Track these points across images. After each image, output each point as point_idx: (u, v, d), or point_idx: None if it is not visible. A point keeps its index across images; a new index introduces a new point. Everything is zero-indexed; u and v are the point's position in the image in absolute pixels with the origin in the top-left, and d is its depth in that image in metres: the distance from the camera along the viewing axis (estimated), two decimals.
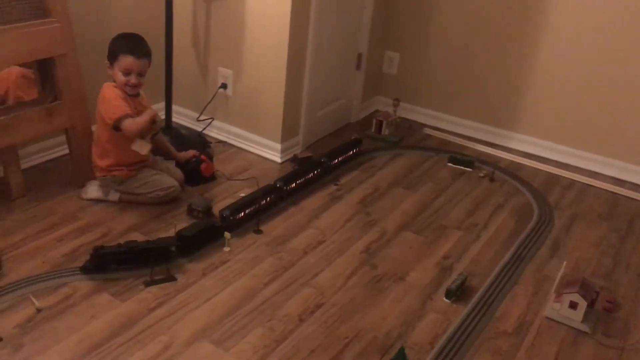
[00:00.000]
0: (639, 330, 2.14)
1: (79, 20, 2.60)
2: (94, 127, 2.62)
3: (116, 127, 2.43)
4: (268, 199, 2.64)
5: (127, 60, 2.43)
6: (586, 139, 3.29)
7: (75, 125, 2.58)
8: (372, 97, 3.87)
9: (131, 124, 2.42)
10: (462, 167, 3.21)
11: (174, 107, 3.15)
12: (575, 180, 3.19)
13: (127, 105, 2.45)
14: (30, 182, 2.60)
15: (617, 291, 2.33)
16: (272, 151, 3.12)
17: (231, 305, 2.07)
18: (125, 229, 2.43)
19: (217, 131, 3.29)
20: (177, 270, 2.21)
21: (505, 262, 2.44)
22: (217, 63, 3.16)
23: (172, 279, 2.17)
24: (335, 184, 2.94)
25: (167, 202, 2.60)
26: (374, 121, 3.52)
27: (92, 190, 2.60)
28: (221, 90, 3.18)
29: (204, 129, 3.26)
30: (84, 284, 2.09)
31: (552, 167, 3.30)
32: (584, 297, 2.09)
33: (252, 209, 2.55)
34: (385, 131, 3.49)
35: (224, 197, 2.73)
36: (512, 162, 3.36)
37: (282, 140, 3.09)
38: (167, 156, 2.80)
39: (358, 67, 3.56)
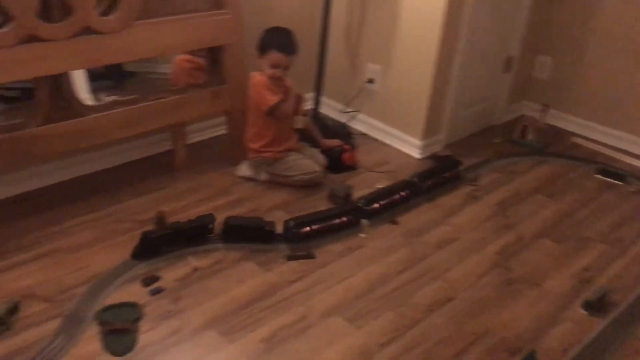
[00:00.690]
0: None
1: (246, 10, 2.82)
2: None
3: (269, 113, 2.64)
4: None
5: (277, 56, 2.62)
6: None
7: (235, 108, 2.81)
8: (518, 101, 3.79)
9: (282, 109, 2.66)
10: (611, 180, 3.06)
11: (322, 99, 3.31)
12: None
13: (276, 93, 2.65)
14: (192, 156, 2.88)
15: None
16: (412, 147, 3.18)
17: (364, 287, 2.17)
18: (272, 206, 2.62)
19: (361, 124, 3.41)
20: (316, 249, 2.34)
21: None
22: (367, 59, 3.27)
23: (311, 256, 2.31)
24: (474, 184, 2.93)
25: (310, 186, 2.76)
26: (519, 126, 3.45)
27: (244, 169, 2.83)
28: (368, 84, 3.29)
29: (349, 120, 3.40)
30: (233, 252, 2.29)
31: None
32: None
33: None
34: (529, 137, 3.41)
35: (362, 187, 2.83)
36: None
37: (423, 138, 3.14)
38: (313, 143, 2.97)
39: (507, 69, 3.50)
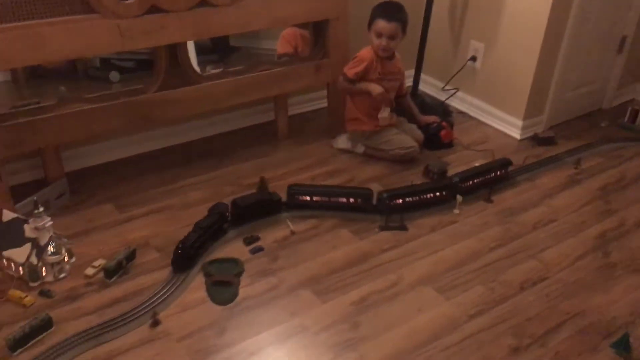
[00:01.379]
0: None
1: None
2: None
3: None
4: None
5: (379, 24, 2.66)
6: None
7: (336, 81, 2.89)
8: (630, 84, 3.60)
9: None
10: None
11: (422, 76, 3.32)
12: None
13: (360, 70, 2.72)
14: (293, 127, 3.00)
15: None
16: (512, 127, 3.13)
17: (455, 261, 2.21)
18: (367, 178, 2.69)
19: (460, 102, 3.39)
20: (409, 222, 2.39)
21: None
22: (470, 36, 3.24)
23: (404, 228, 2.37)
24: (575, 167, 2.85)
25: (405, 161, 2.80)
26: (629, 109, 3.30)
27: (342, 142, 2.91)
28: (470, 62, 3.26)
29: (447, 98, 3.39)
30: (329, 220, 2.39)
31: None
32: None
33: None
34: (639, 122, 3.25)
35: (458, 164, 2.84)
36: None
37: (525, 118, 3.08)
38: (411, 119, 3.00)
39: (620, 50, 3.34)
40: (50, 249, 1.98)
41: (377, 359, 1.78)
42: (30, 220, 1.97)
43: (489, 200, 2.57)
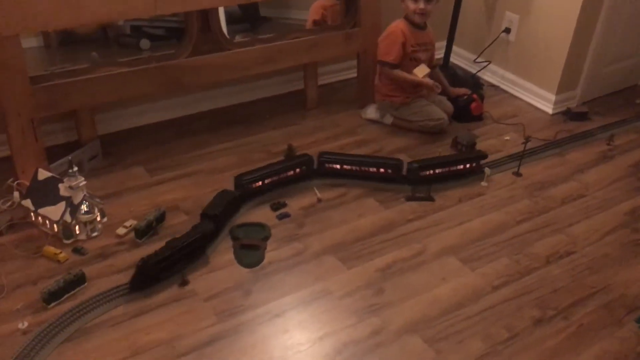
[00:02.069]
0: None
1: None
2: None
3: (380, 64, 2.75)
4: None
5: None
6: None
7: (367, 51, 2.87)
8: None
9: (388, 74, 2.73)
10: None
11: (454, 48, 3.28)
12: None
13: (397, 54, 2.69)
14: (322, 97, 3.00)
15: None
16: (544, 101, 3.08)
17: (482, 232, 2.20)
18: (395, 149, 2.69)
19: (491, 75, 3.34)
20: (436, 194, 2.39)
21: None
22: (505, 7, 3.17)
23: (430, 199, 2.37)
24: (608, 144, 2.81)
25: (434, 133, 2.79)
26: None
27: (371, 112, 2.91)
28: (503, 34, 3.20)
29: (479, 71, 3.34)
30: (356, 188, 2.40)
31: None
32: None
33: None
34: None
35: (487, 137, 2.81)
36: None
37: (558, 92, 3.03)
38: (442, 90, 2.97)
39: None
40: (84, 208, 2.04)
41: (400, 324, 1.80)
42: (65, 179, 2.02)
43: (518, 174, 2.55)
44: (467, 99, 2.93)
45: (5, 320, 1.73)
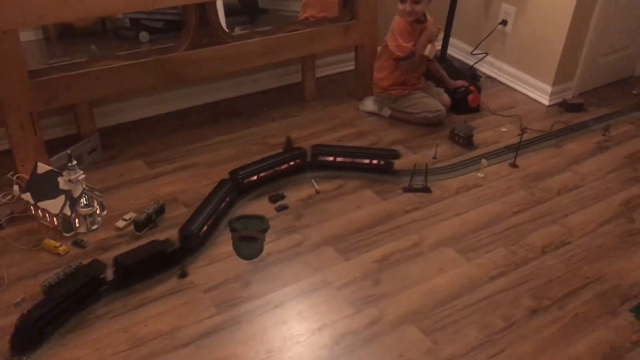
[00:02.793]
0: None
1: None
2: (378, 48, 2.90)
3: (397, 60, 2.72)
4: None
5: None
6: None
7: (364, 43, 2.88)
8: None
9: (408, 66, 2.73)
10: None
11: (451, 40, 3.28)
12: None
13: (410, 43, 2.70)
14: (320, 89, 3.01)
15: None
16: (541, 93, 3.10)
17: (478, 223, 2.23)
18: (392, 141, 2.70)
19: (488, 67, 3.35)
20: (433, 185, 2.41)
21: None
22: None
23: (427, 190, 2.39)
24: (604, 134, 2.83)
25: (432, 124, 2.80)
26: None
27: (369, 104, 2.92)
28: (500, 26, 3.21)
29: (476, 62, 3.35)
30: (354, 180, 2.42)
31: None
32: None
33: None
34: None
35: (484, 129, 2.83)
36: None
37: (554, 84, 3.04)
38: (439, 83, 2.98)
39: None
40: (83, 201, 2.06)
41: (397, 315, 1.82)
42: (64, 173, 2.04)
43: (514, 165, 2.57)
44: (465, 91, 2.95)
45: (6, 312, 1.74)
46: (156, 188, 2.30)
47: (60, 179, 2.05)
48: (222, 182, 2.22)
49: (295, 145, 2.48)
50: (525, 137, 2.63)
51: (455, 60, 3.37)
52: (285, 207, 2.25)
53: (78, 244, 2.02)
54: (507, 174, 2.52)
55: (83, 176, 2.05)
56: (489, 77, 3.32)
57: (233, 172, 2.27)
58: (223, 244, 2.06)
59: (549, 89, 3.05)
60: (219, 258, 2.00)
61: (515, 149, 2.60)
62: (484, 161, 2.51)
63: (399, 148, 2.64)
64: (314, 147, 2.43)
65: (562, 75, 3.04)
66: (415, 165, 2.41)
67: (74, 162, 2.02)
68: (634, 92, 3.24)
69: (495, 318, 1.83)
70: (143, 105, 2.73)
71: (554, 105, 3.06)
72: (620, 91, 3.25)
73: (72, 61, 2.29)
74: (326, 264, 2.00)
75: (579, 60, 3.05)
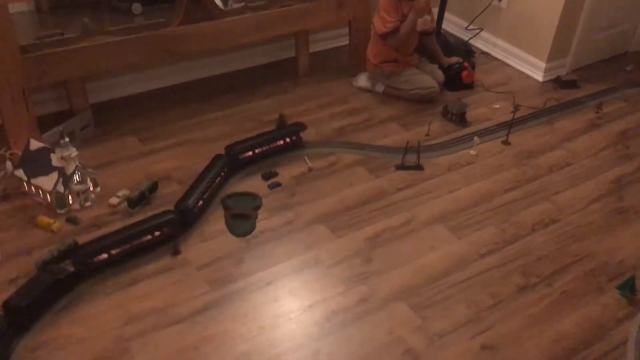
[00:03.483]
0: None
1: None
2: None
3: (382, 37, 2.71)
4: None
5: None
6: None
7: (358, 19, 2.86)
8: None
9: (394, 43, 2.71)
10: None
11: (446, 15, 3.26)
12: None
13: (394, 18, 2.67)
14: (314, 64, 3.00)
15: None
16: (535, 69, 3.09)
17: (470, 201, 2.24)
18: (385, 118, 2.70)
19: (483, 42, 3.33)
20: (425, 162, 2.42)
21: None
22: None
23: (420, 167, 2.40)
24: (597, 112, 2.83)
25: (425, 101, 2.80)
26: None
27: (362, 80, 2.91)
28: (495, 1, 3.18)
29: (471, 38, 3.33)
30: (347, 156, 2.42)
31: None
32: None
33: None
34: None
35: (478, 106, 2.83)
36: None
37: (548, 60, 3.03)
38: (433, 59, 2.97)
39: None
40: (76, 178, 2.06)
41: (388, 292, 1.85)
42: (57, 149, 2.04)
43: (506, 142, 2.58)
44: (458, 67, 2.94)
45: (2, 289, 1.76)
46: (149, 165, 2.31)
47: (53, 156, 2.05)
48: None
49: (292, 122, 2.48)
50: (518, 114, 2.64)
51: (449, 35, 3.35)
52: (278, 185, 2.26)
53: (71, 220, 2.03)
54: (499, 151, 2.53)
55: (76, 153, 2.05)
56: (483, 52, 3.30)
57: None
58: (216, 222, 2.08)
59: (543, 65, 3.05)
60: (212, 236, 2.02)
61: (508, 126, 2.61)
62: (476, 139, 2.52)
63: (392, 125, 2.64)
64: (228, 148, 2.28)
65: (556, 51, 3.02)
66: (407, 142, 2.42)
67: (67, 139, 2.02)
68: (628, 68, 3.24)
69: (484, 295, 1.86)
70: (136, 81, 2.71)
71: (547, 81, 3.06)
72: (615, 68, 3.24)
73: (64, 36, 2.27)
74: (318, 241, 2.02)
75: (573, 36, 3.04)
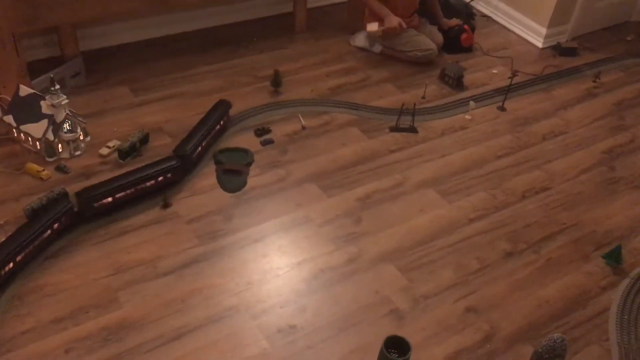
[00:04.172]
0: None
1: None
2: None
3: None
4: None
5: None
6: None
7: None
8: None
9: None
10: None
11: None
12: None
13: None
14: (312, 21, 2.94)
15: None
16: (535, 35, 3.05)
17: (462, 166, 2.24)
18: (381, 79, 2.67)
19: (485, 5, 3.28)
20: (419, 125, 2.40)
21: None
22: None
23: (414, 130, 2.38)
24: (594, 81, 2.81)
25: (423, 63, 2.76)
26: None
27: (360, 40, 2.86)
28: None
29: (472, 0, 3.27)
30: (341, 116, 2.40)
31: None
32: None
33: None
34: None
35: (475, 70, 2.80)
36: None
37: (549, 26, 2.99)
38: (433, 20, 2.92)
39: None
40: (66, 126, 2.03)
41: (376, 253, 1.86)
42: (47, 97, 2.00)
43: (502, 108, 2.57)
44: (458, 30, 2.89)
45: None
46: (141, 116, 2.28)
47: (42, 103, 2.02)
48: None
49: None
50: (516, 80, 2.62)
51: None
52: (270, 142, 2.24)
53: (61, 169, 2.01)
54: (494, 117, 2.52)
55: (66, 101, 2.02)
56: (484, 15, 3.25)
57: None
58: (207, 177, 2.07)
59: (543, 31, 3.01)
60: (203, 190, 2.01)
61: (505, 92, 2.59)
62: (472, 103, 2.50)
63: (388, 86, 2.62)
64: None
65: (558, 17, 2.98)
66: (403, 104, 2.40)
67: (57, 87, 1.99)
68: (629, 38, 3.20)
69: (471, 260, 1.88)
70: (129, 30, 2.65)
71: (547, 48, 3.02)
72: (615, 37, 3.21)
73: None
74: (309, 200, 2.02)
75: (576, 2, 2.99)
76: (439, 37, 2.85)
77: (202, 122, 2.15)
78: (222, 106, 2.23)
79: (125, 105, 2.32)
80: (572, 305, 1.78)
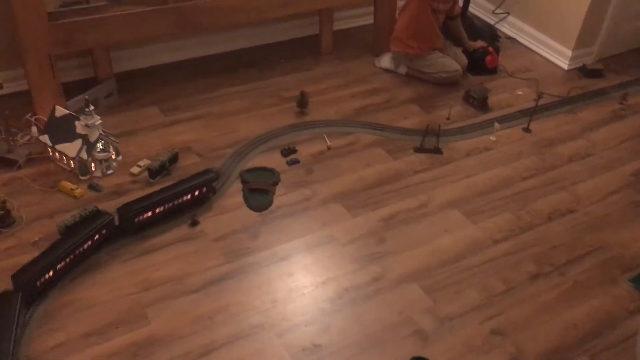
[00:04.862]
0: None
1: None
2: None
3: None
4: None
5: None
6: None
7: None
8: None
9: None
10: None
11: None
12: None
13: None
14: (337, 43, 2.98)
15: None
16: (560, 57, 3.05)
17: (487, 187, 2.24)
18: (406, 99, 2.70)
19: (509, 27, 3.29)
20: (444, 146, 2.42)
21: None
22: None
23: (438, 151, 2.40)
24: (621, 103, 2.80)
25: (447, 84, 2.79)
26: None
27: (385, 61, 2.90)
28: None
29: (497, 22, 3.29)
30: (366, 137, 2.43)
31: None
32: None
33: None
34: None
35: (501, 92, 2.81)
36: None
37: (575, 48, 2.99)
38: (457, 42, 2.95)
39: None
40: (99, 146, 2.10)
41: (400, 273, 1.87)
42: (81, 117, 2.07)
43: (527, 129, 2.57)
44: (483, 51, 2.91)
45: (25, 250, 1.81)
46: (170, 136, 2.33)
47: (77, 123, 2.08)
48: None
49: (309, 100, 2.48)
50: (541, 102, 2.62)
51: (476, 18, 3.31)
52: (296, 161, 2.27)
53: (93, 187, 2.07)
54: (519, 138, 2.52)
55: (100, 121, 2.08)
56: (509, 37, 3.26)
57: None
58: (234, 195, 2.10)
59: (569, 52, 3.01)
60: (230, 209, 2.05)
61: (530, 113, 2.59)
62: (496, 124, 2.51)
63: (413, 107, 2.64)
64: (121, 209, 1.91)
65: (583, 39, 2.98)
66: (427, 125, 2.42)
67: (92, 107, 2.05)
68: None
69: (496, 281, 1.87)
70: (160, 52, 2.73)
71: (572, 69, 3.02)
72: None
73: (90, 5, 2.28)
74: (333, 219, 2.04)
75: (602, 24, 2.99)
76: (464, 59, 2.87)
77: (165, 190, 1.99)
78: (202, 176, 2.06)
79: (155, 125, 2.38)
80: (599, 329, 1.76)
